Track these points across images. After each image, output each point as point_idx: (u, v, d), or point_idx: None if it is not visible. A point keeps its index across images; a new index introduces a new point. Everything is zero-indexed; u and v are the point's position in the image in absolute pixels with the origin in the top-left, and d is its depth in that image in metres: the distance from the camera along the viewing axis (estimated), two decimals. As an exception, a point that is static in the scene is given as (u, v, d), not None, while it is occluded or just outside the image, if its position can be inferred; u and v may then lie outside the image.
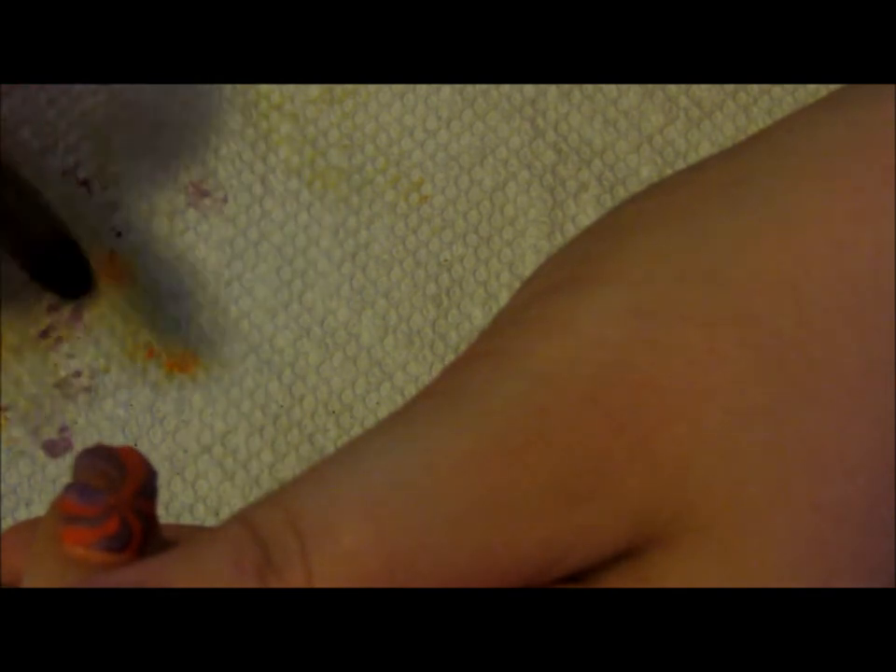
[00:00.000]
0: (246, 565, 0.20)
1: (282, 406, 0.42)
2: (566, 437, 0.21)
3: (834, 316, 0.21)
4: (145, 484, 0.22)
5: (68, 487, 0.22)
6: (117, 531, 0.22)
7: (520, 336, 0.22)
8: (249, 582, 0.20)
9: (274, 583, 0.20)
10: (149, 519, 0.22)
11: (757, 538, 0.21)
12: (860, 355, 0.21)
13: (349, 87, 0.46)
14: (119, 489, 0.22)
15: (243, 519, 0.21)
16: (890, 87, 0.23)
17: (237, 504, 0.42)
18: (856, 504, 0.21)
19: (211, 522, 0.42)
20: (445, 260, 0.44)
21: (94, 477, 0.22)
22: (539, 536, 0.21)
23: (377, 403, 0.43)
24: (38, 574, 0.22)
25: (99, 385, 0.43)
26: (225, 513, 0.42)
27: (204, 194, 0.44)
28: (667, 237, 0.22)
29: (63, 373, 0.43)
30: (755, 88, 0.45)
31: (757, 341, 0.21)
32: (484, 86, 0.45)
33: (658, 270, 0.22)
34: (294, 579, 0.20)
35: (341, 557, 0.20)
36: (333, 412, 0.42)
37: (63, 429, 0.42)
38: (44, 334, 0.43)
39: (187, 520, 0.42)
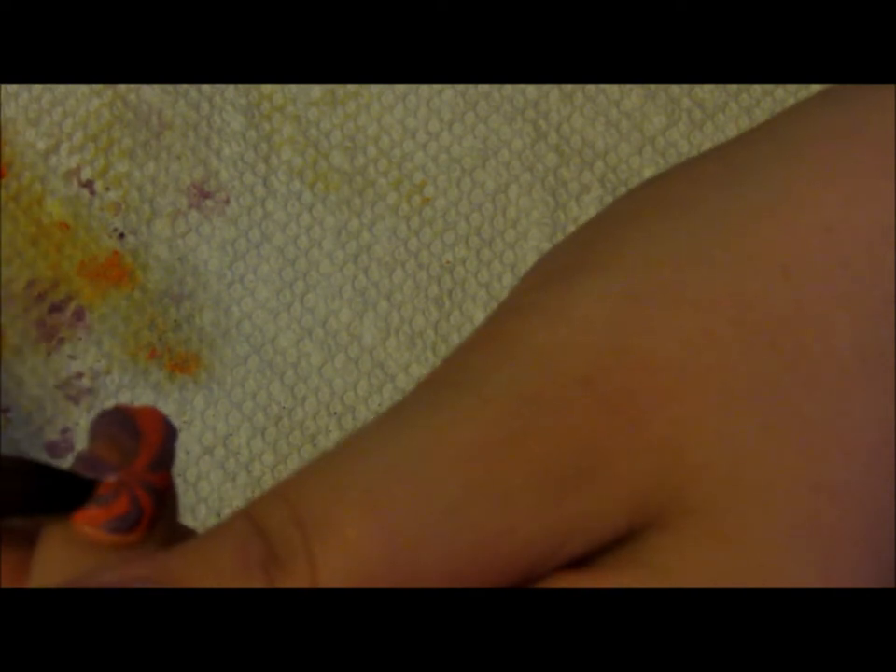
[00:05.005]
0: (251, 559, 0.20)
1: (284, 407, 0.42)
2: (561, 422, 0.21)
3: (828, 299, 0.22)
4: (159, 452, 0.22)
5: (79, 456, 0.22)
6: (126, 512, 0.22)
7: (516, 322, 0.22)
8: (254, 576, 0.20)
9: (279, 576, 0.20)
10: (161, 492, 0.22)
11: (755, 518, 0.21)
12: (854, 337, 0.21)
13: (351, 89, 0.46)
14: (130, 462, 0.22)
15: (246, 514, 0.21)
16: (889, 85, 0.23)
17: (239, 505, 0.42)
18: (855, 485, 0.21)
19: (213, 523, 0.42)
20: (447, 262, 0.44)
21: (107, 447, 0.22)
22: (539, 523, 0.21)
23: (379, 405, 0.43)
24: (46, 556, 0.22)
25: (101, 386, 0.43)
26: (227, 515, 0.42)
27: (207, 196, 0.45)
28: (662, 224, 0.23)
29: (64, 375, 0.43)
30: (758, 89, 0.45)
31: (751, 322, 0.21)
32: (487, 89, 0.45)
33: (652, 254, 0.22)
34: (298, 571, 0.20)
35: (343, 549, 0.20)
36: (335, 413, 0.42)
37: (64, 431, 0.42)
38: (46, 335, 0.43)
39: (188, 521, 0.42)
